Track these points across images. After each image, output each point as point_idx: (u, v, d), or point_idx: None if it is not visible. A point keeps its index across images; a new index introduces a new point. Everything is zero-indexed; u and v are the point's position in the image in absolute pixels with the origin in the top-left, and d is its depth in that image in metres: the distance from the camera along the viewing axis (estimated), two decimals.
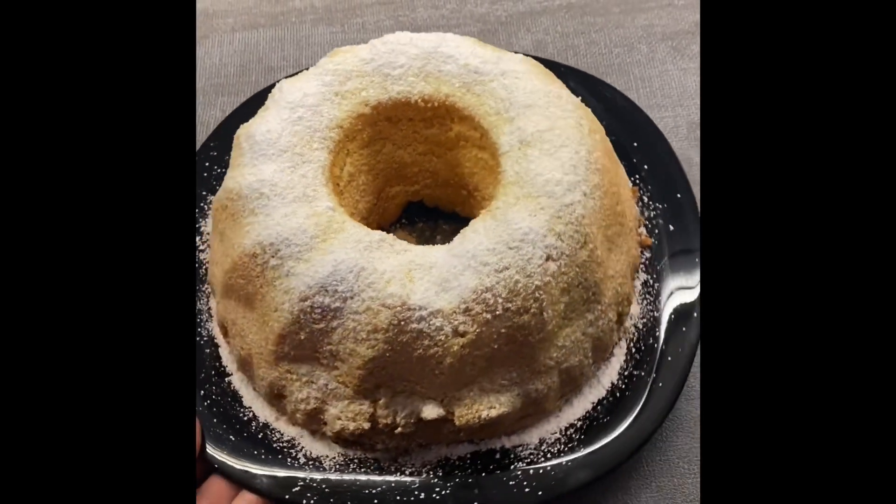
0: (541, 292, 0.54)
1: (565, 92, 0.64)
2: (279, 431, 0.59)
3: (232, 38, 0.90)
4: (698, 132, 0.80)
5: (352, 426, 0.55)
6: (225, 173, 0.68)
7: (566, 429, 0.59)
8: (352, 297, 0.53)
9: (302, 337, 0.54)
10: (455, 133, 0.65)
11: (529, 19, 0.90)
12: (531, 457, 0.58)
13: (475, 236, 0.55)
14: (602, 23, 0.90)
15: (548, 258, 0.54)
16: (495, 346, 0.54)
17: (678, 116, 0.81)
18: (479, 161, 0.65)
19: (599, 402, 0.60)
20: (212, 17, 0.92)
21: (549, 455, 0.58)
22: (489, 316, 0.53)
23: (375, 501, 0.55)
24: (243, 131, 0.62)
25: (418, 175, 0.69)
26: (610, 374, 0.61)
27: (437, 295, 0.52)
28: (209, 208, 0.69)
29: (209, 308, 0.65)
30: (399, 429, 0.55)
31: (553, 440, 0.59)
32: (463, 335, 0.53)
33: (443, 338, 0.52)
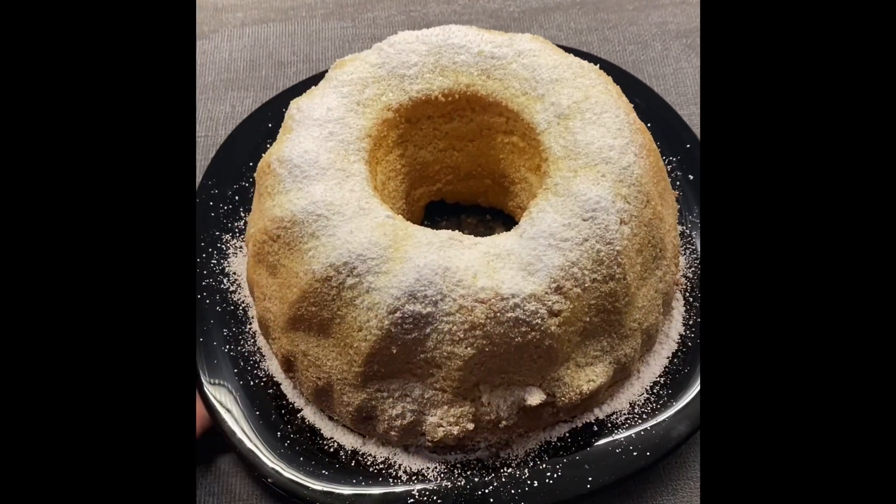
0: (622, 257, 0.54)
1: (584, 62, 0.64)
2: (370, 455, 0.58)
3: (241, 33, 0.90)
4: None
5: (455, 430, 0.54)
6: (233, 209, 0.69)
7: (652, 387, 0.60)
8: (442, 299, 0.52)
9: (394, 351, 0.53)
10: (476, 123, 0.65)
11: (542, 15, 0.90)
12: (628, 422, 0.58)
13: (545, 216, 0.55)
14: (616, 19, 0.89)
15: (621, 222, 0.55)
16: (587, 319, 0.55)
17: (693, 115, 0.80)
18: (506, 146, 0.64)
19: (674, 354, 0.62)
20: (221, 12, 0.91)
21: (644, 416, 0.59)
22: (579, 290, 0.53)
23: (491, 500, 0.55)
24: (273, 157, 0.59)
25: (439, 173, 0.68)
26: (676, 326, 0.63)
27: (526, 280, 0.52)
28: (230, 248, 0.68)
29: (259, 349, 0.63)
30: (503, 422, 0.55)
31: (643, 401, 0.60)
32: (558, 314, 0.53)
33: (539, 321, 0.52)
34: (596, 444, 0.58)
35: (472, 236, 0.56)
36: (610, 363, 0.57)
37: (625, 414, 0.59)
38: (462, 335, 0.52)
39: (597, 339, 0.56)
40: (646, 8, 0.90)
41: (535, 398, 0.54)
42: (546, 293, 0.52)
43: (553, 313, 0.53)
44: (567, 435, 0.58)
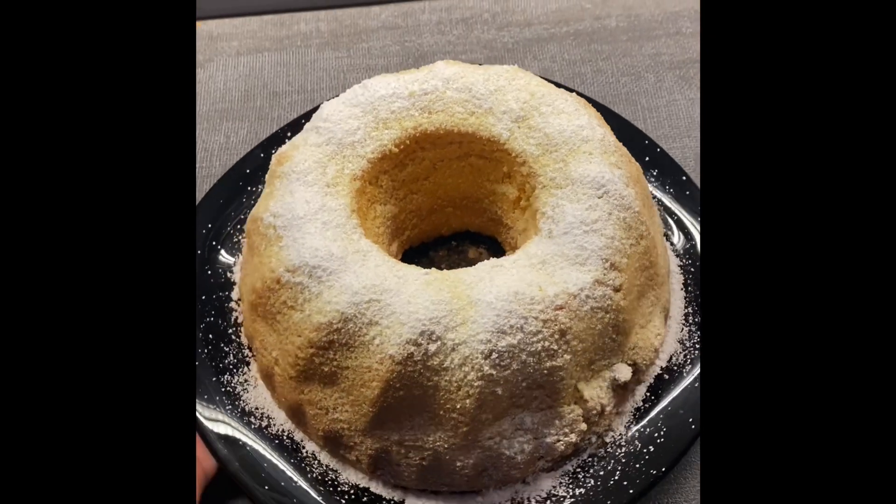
0: (641, 215, 0.59)
1: (505, 67, 0.67)
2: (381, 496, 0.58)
3: (237, 62, 0.90)
4: None
5: (573, 437, 0.56)
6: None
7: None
8: (526, 323, 0.53)
9: (499, 392, 0.53)
10: (429, 160, 0.66)
11: (536, 46, 0.90)
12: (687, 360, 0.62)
13: (564, 208, 0.58)
14: (609, 51, 0.89)
15: (627, 185, 0.60)
16: (638, 283, 0.59)
17: (686, 147, 0.80)
18: (463, 169, 0.67)
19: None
20: (216, 41, 0.92)
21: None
22: (626, 260, 0.57)
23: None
24: (263, 213, 0.60)
25: (405, 221, 0.69)
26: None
27: (582, 271, 0.55)
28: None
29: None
30: (607, 408, 0.57)
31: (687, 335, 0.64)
32: (620, 288, 0.56)
33: (609, 301, 0.56)
34: (672, 390, 0.60)
35: (497, 258, 0.57)
36: (660, 312, 0.61)
37: (681, 354, 0.62)
38: (556, 347, 0.53)
39: (646, 297, 0.60)
40: (639, 39, 0.90)
41: (625, 373, 0.57)
42: (605, 274, 0.56)
43: (616, 289, 0.56)
44: (647, 395, 0.60)
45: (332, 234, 0.57)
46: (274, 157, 0.64)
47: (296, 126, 0.72)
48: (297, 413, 0.58)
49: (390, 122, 0.62)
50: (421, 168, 0.66)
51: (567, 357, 0.54)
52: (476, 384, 0.52)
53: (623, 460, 0.57)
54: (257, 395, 0.61)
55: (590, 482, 0.57)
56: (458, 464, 0.55)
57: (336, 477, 0.58)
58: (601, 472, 0.57)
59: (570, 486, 0.57)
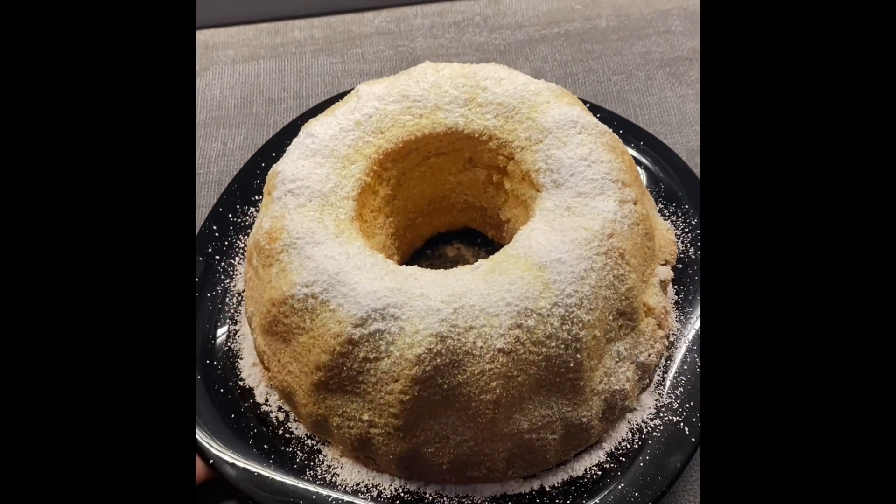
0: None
1: (445, 65, 0.68)
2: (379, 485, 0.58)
3: (232, 70, 0.91)
4: (697, 159, 0.80)
5: (629, 385, 0.58)
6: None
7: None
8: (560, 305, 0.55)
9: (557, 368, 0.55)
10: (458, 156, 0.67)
11: (528, 47, 0.91)
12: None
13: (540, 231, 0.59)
14: (600, 50, 0.90)
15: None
16: (640, 191, 0.64)
17: (677, 143, 0.81)
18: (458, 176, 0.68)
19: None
20: (212, 50, 0.93)
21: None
22: (628, 176, 0.62)
23: None
24: (267, 232, 0.61)
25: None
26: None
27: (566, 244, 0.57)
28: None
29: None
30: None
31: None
32: (637, 201, 0.61)
33: (637, 215, 0.60)
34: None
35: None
36: (656, 212, 0.68)
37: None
38: (623, 271, 0.57)
39: (648, 201, 0.66)
40: (629, 38, 0.91)
41: (666, 273, 0.63)
42: (622, 193, 0.59)
43: (635, 202, 0.60)
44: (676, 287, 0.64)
45: (338, 250, 0.57)
46: (268, 176, 0.64)
47: (292, 131, 0.73)
48: (321, 426, 0.58)
49: (353, 157, 0.62)
50: (389, 188, 0.66)
51: (633, 276, 0.57)
52: (573, 333, 0.54)
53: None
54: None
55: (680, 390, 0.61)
56: (584, 419, 0.56)
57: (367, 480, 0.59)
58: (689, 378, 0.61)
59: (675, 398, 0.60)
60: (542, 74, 0.88)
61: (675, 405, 0.60)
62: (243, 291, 0.67)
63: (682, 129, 0.83)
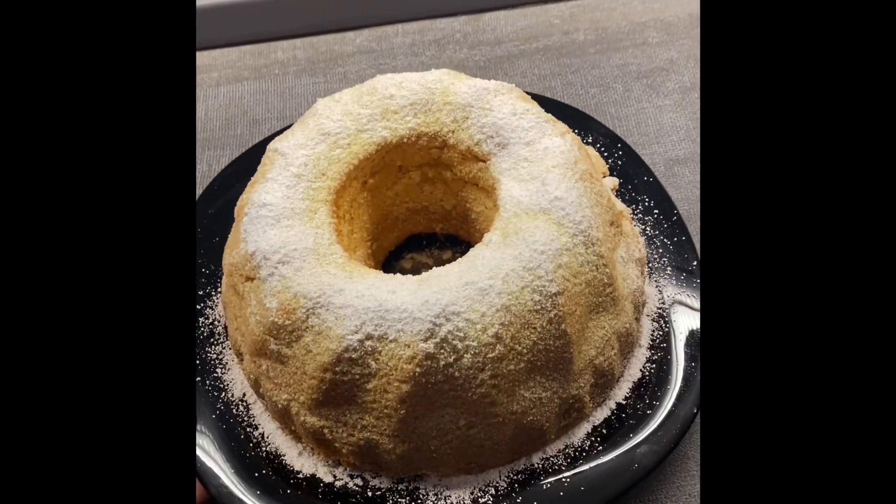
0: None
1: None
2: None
3: (217, 93, 0.92)
4: (675, 168, 0.81)
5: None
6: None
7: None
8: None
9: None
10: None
11: (507, 63, 0.92)
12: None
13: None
14: (578, 63, 0.92)
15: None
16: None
17: (655, 154, 0.82)
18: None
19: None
20: (196, 72, 0.94)
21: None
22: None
23: None
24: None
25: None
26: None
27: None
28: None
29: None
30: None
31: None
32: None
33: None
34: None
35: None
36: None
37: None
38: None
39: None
40: (607, 51, 0.93)
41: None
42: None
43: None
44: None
45: (320, 267, 0.58)
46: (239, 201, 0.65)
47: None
48: (319, 438, 0.58)
49: (313, 207, 0.62)
50: (348, 224, 0.67)
51: (602, 186, 0.64)
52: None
53: None
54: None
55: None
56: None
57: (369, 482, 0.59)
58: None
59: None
60: (522, 88, 0.89)
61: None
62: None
63: (659, 139, 0.84)
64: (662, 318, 0.65)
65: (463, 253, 0.71)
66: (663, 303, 0.66)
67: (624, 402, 0.62)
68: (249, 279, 0.59)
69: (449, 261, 0.71)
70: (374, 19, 0.98)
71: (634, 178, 0.72)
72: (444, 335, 0.54)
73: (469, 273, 0.56)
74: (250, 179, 0.66)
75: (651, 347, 0.64)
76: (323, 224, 0.60)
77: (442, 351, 0.54)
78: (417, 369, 0.53)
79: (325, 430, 0.57)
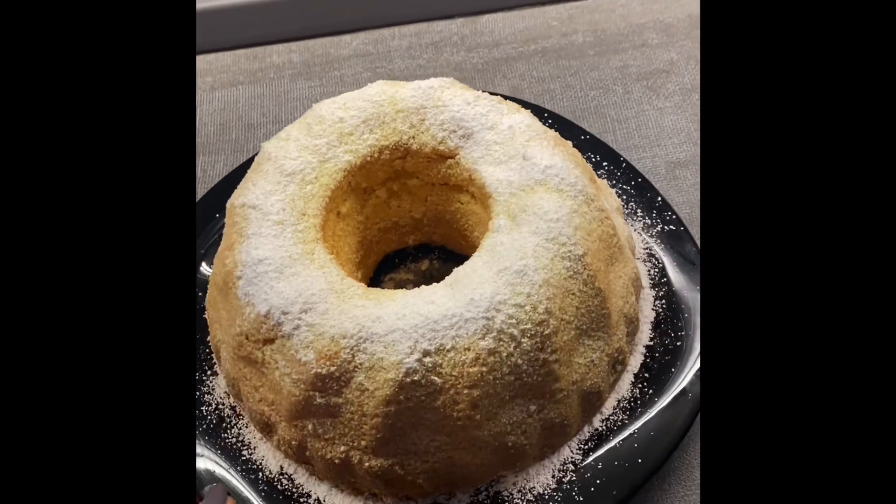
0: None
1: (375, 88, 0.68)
2: None
3: (211, 97, 0.91)
4: (677, 171, 0.80)
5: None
6: None
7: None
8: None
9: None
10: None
11: (505, 66, 0.91)
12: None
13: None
14: (577, 66, 0.91)
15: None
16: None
17: (656, 157, 0.81)
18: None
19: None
20: None
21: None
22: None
23: None
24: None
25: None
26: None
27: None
28: None
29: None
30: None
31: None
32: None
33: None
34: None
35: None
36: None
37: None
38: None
39: None
40: (606, 53, 0.92)
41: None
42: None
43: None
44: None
45: (344, 303, 0.56)
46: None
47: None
48: (389, 478, 0.57)
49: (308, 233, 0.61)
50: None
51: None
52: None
53: None
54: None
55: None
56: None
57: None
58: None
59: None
60: (520, 92, 0.88)
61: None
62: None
63: (660, 141, 0.83)
64: (652, 258, 0.69)
65: (439, 258, 0.72)
66: (646, 243, 0.70)
67: (651, 343, 0.64)
68: (269, 341, 0.56)
69: (428, 270, 0.71)
70: (370, 22, 0.97)
71: (573, 141, 0.70)
72: (499, 327, 0.53)
73: (496, 261, 0.56)
74: (221, 246, 0.63)
75: (653, 286, 0.67)
76: (326, 262, 0.58)
77: (501, 343, 0.53)
78: (483, 369, 0.52)
79: (396, 467, 0.55)
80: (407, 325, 0.53)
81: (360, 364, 0.53)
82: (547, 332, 0.54)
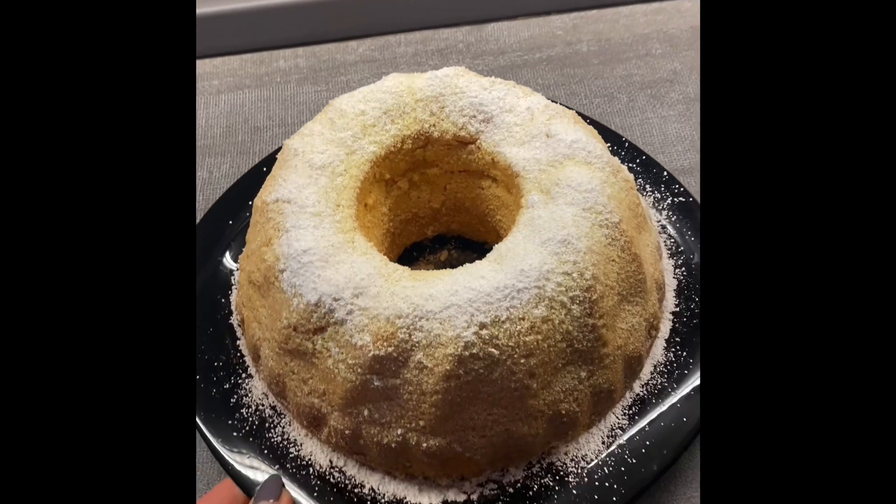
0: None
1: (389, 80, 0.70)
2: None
3: (218, 100, 0.92)
4: (681, 179, 0.81)
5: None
6: None
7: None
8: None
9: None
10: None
11: (510, 73, 0.92)
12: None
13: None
14: (582, 74, 0.91)
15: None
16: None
17: (661, 164, 0.82)
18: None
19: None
20: (198, 80, 0.94)
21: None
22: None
23: None
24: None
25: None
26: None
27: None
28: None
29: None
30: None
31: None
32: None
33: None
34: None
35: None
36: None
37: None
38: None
39: None
40: (610, 62, 0.92)
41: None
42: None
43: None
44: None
45: (393, 286, 0.56)
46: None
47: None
48: (447, 457, 0.56)
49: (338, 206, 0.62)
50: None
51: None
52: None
53: None
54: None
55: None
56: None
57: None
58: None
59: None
60: None
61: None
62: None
63: (664, 149, 0.84)
64: (665, 230, 0.70)
65: (456, 248, 0.73)
66: (658, 216, 0.71)
67: (677, 310, 0.65)
68: (319, 330, 0.55)
69: (447, 259, 0.72)
70: (376, 29, 0.98)
71: None
72: (550, 294, 0.54)
73: (538, 234, 0.57)
74: (250, 245, 0.63)
75: (671, 255, 0.68)
76: (367, 249, 0.58)
77: (553, 311, 0.54)
78: (538, 337, 0.53)
79: (454, 445, 0.55)
80: (461, 300, 0.53)
81: (418, 342, 0.52)
82: (594, 297, 0.55)
